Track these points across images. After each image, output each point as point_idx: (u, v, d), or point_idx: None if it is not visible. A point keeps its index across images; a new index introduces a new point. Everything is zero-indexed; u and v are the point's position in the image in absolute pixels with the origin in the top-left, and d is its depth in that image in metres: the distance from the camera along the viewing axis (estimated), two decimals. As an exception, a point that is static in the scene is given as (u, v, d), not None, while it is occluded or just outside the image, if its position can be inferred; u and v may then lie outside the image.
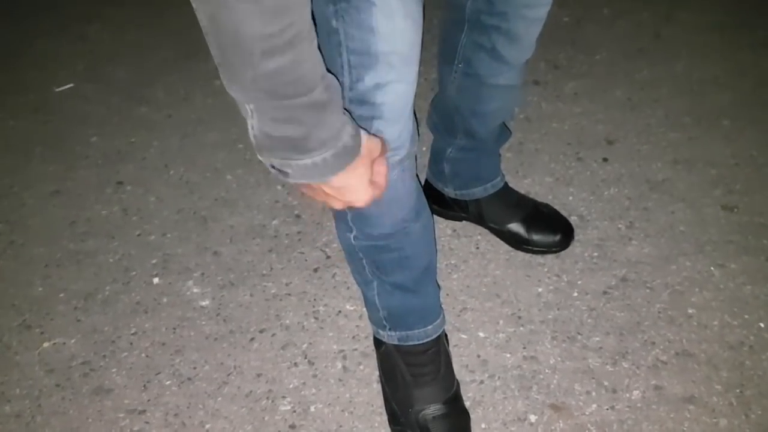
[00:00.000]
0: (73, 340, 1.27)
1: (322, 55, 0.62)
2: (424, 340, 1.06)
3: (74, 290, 1.36)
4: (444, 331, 1.12)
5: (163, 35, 2.10)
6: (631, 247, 1.38)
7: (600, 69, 1.85)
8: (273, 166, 0.66)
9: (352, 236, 0.94)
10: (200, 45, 2.13)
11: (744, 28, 1.95)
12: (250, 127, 0.62)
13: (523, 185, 1.51)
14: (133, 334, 1.28)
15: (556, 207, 1.43)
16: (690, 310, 1.26)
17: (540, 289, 1.31)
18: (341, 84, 0.74)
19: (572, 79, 1.82)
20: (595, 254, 1.37)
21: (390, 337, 1.08)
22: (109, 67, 1.98)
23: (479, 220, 1.39)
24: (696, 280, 1.31)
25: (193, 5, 0.55)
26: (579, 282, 1.32)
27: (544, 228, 1.36)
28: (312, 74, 0.60)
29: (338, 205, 0.73)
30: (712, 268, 1.33)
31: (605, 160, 1.57)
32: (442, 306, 1.12)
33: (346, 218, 0.92)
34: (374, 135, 0.73)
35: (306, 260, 1.39)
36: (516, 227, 1.36)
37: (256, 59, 0.56)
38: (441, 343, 1.10)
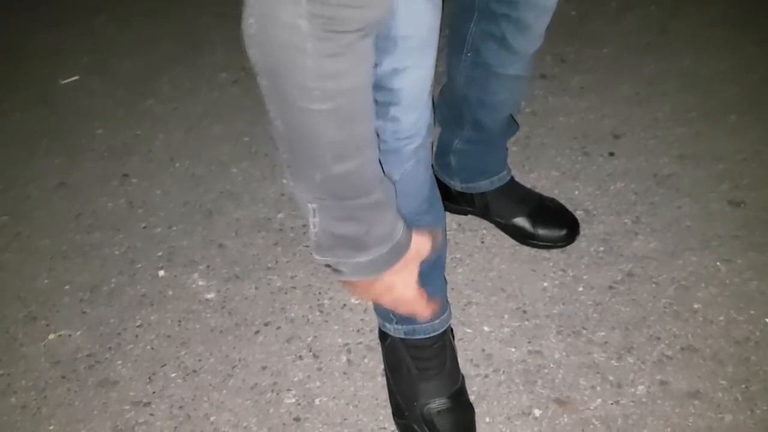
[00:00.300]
0: (78, 332, 1.28)
1: None
2: (431, 335, 1.06)
3: (80, 282, 1.36)
4: (450, 325, 1.12)
5: (168, 28, 2.10)
6: (637, 242, 1.37)
7: (607, 63, 1.84)
8: (328, 265, 0.71)
9: None
10: (205, 38, 2.12)
11: (750, 23, 1.94)
12: (311, 226, 0.67)
13: (529, 179, 1.51)
14: (138, 326, 1.28)
15: (562, 201, 1.43)
16: (696, 306, 1.26)
17: (545, 284, 1.31)
18: None
19: (579, 74, 1.81)
20: (601, 249, 1.36)
21: (396, 330, 1.08)
22: (114, 60, 1.98)
23: (485, 214, 1.39)
24: (702, 275, 1.31)
25: (269, 109, 0.60)
26: (584, 277, 1.32)
27: (549, 223, 1.36)
28: (374, 176, 0.66)
29: (388, 303, 0.78)
30: (718, 264, 1.32)
31: (611, 154, 1.57)
32: (448, 300, 1.12)
33: None
34: (424, 231, 0.77)
35: (311, 254, 1.39)
36: (522, 221, 1.36)
37: (327, 163, 0.61)
38: (447, 337, 1.10)
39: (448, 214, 1.43)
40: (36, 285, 1.37)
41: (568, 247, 1.36)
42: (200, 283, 1.35)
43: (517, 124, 1.30)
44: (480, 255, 1.37)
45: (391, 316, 1.07)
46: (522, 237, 1.37)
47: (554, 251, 1.36)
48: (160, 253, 1.41)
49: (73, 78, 1.90)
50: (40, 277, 1.38)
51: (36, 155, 1.67)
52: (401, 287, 0.75)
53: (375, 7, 0.56)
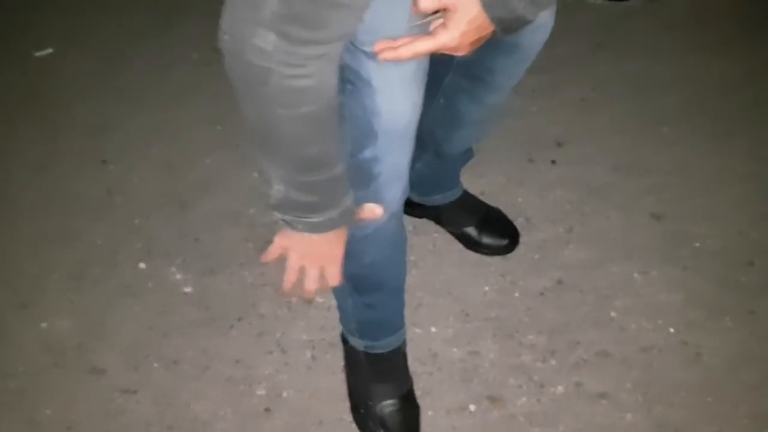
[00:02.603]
0: (67, 321, 1.41)
1: None
2: (388, 350, 1.24)
3: (66, 271, 1.48)
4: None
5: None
6: (568, 251, 1.55)
7: (558, 64, 1.95)
8: (284, 221, 0.82)
9: None
10: (183, 7, 2.10)
11: (697, 28, 2.07)
12: (274, 192, 0.78)
13: (478, 184, 1.65)
14: (123, 316, 1.42)
15: (506, 208, 1.58)
16: (612, 314, 1.45)
17: (486, 288, 1.49)
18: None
19: (531, 74, 1.91)
20: (537, 257, 1.54)
21: (357, 343, 1.25)
22: (90, 31, 2.01)
23: (437, 221, 1.55)
24: (620, 285, 1.49)
25: (241, 105, 0.70)
26: (520, 283, 1.50)
27: (494, 232, 1.53)
28: (336, 153, 0.77)
29: (312, 269, 0.89)
30: (635, 275, 1.51)
31: (553, 162, 1.73)
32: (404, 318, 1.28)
33: None
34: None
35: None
36: (470, 230, 1.52)
37: (294, 149, 0.72)
38: (401, 345, 1.27)
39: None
40: (24, 272, 1.48)
41: (509, 254, 1.54)
42: (178, 276, 1.49)
43: (473, 151, 1.44)
44: (432, 258, 1.53)
45: (353, 329, 1.24)
46: (469, 244, 1.54)
47: (496, 258, 1.53)
48: (139, 245, 1.53)
49: (47, 50, 1.93)
50: (27, 264, 1.49)
51: (14, 136, 1.74)
52: (334, 246, 0.88)
53: (334, 40, 0.66)
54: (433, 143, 1.32)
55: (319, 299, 1.46)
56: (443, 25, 0.77)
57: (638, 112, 1.85)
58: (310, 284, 0.92)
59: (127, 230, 1.56)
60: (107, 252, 1.52)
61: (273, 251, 0.91)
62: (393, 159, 0.89)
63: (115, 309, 1.43)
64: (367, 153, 0.86)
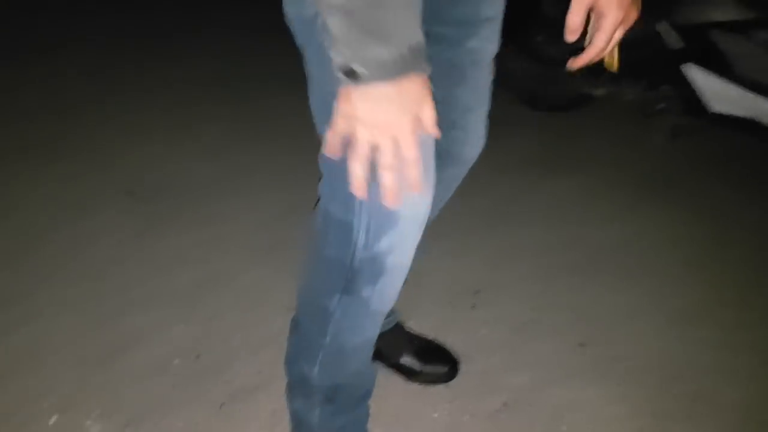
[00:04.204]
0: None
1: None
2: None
3: (-40, 431, 1.28)
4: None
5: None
6: (507, 377, 1.54)
7: (463, 232, 2.09)
8: (350, 71, 0.68)
9: (315, 371, 1.04)
10: (100, 195, 2.08)
11: (583, 199, 2.33)
12: (332, 28, 0.67)
13: (407, 325, 1.66)
14: (29, 473, 1.22)
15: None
16: (563, 428, 1.43)
17: (436, 414, 1.43)
18: (354, 244, 0.86)
19: (440, 239, 2.04)
20: (478, 383, 1.52)
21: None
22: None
23: (376, 355, 1.51)
24: (565, 403, 1.49)
25: None
26: (469, 406, 1.45)
27: (434, 360, 1.51)
28: None
29: (385, 140, 0.72)
30: (576, 394, 1.52)
31: (473, 306, 1.78)
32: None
33: (317, 357, 1.02)
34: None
35: (211, 397, 1.42)
36: (410, 360, 1.50)
37: None
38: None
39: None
40: None
41: (451, 382, 1.51)
42: (95, 429, 1.32)
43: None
44: (375, 391, 1.46)
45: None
46: (409, 374, 1.50)
47: (439, 386, 1.50)
48: (49, 402, 1.38)
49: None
50: None
51: None
52: (410, 104, 0.71)
53: None
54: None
55: (260, 437, 1.33)
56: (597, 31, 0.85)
57: (543, 267, 1.97)
58: (387, 160, 0.72)
59: (35, 390, 1.39)
60: (12, 411, 1.33)
61: (338, 123, 0.73)
62: (407, 248, 0.90)
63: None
64: (384, 242, 0.86)
